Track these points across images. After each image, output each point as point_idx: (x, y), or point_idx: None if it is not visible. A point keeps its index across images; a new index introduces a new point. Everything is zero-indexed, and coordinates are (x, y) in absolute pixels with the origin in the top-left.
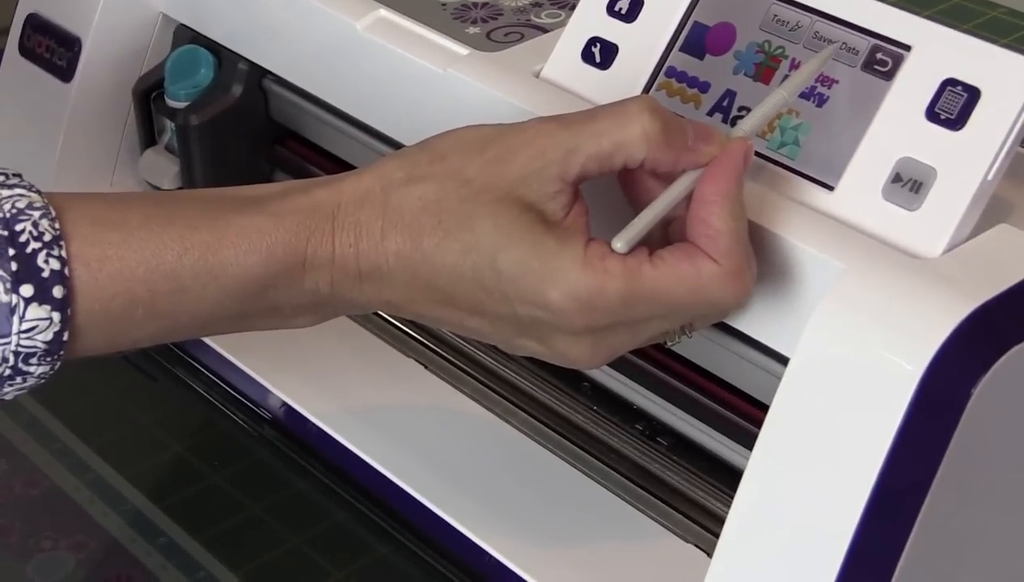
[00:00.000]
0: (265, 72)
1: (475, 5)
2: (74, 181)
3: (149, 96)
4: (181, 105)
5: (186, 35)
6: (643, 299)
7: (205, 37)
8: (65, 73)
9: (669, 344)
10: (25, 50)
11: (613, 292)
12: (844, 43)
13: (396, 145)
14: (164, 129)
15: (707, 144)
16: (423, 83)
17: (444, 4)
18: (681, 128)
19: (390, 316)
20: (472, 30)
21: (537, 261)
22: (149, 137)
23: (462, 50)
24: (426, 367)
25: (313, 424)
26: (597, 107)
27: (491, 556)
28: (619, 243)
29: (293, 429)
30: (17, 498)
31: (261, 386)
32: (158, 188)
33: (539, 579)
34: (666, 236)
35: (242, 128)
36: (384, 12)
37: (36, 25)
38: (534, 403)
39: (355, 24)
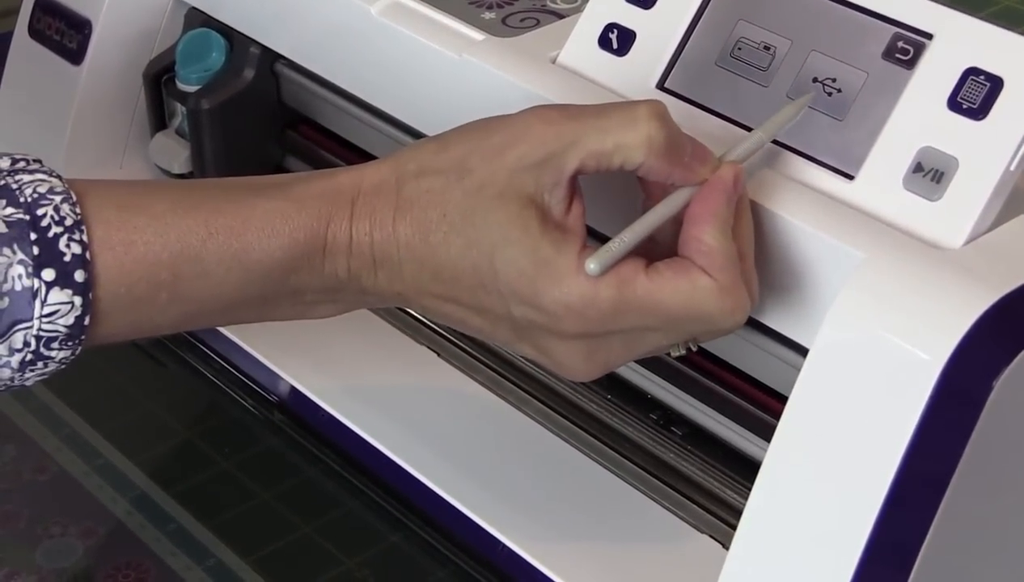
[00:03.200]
0: (277, 56)
1: None
2: (84, 164)
3: (160, 79)
4: (192, 89)
5: (197, 18)
6: (635, 309)
7: (217, 20)
8: (75, 56)
9: (673, 354)
10: (35, 32)
11: (605, 300)
12: (867, 34)
13: (410, 131)
14: (175, 113)
15: (701, 164)
16: (438, 69)
17: None
18: (682, 143)
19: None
20: (488, 15)
21: (532, 265)
22: (159, 121)
23: (478, 35)
24: (439, 355)
25: (324, 411)
26: (606, 104)
27: (504, 545)
28: (592, 264)
29: (304, 416)
30: (26, 484)
31: (272, 372)
32: (168, 172)
33: (552, 568)
34: (653, 250)
35: (253, 112)
36: None
37: (46, 7)
38: (547, 391)
39: (369, 8)
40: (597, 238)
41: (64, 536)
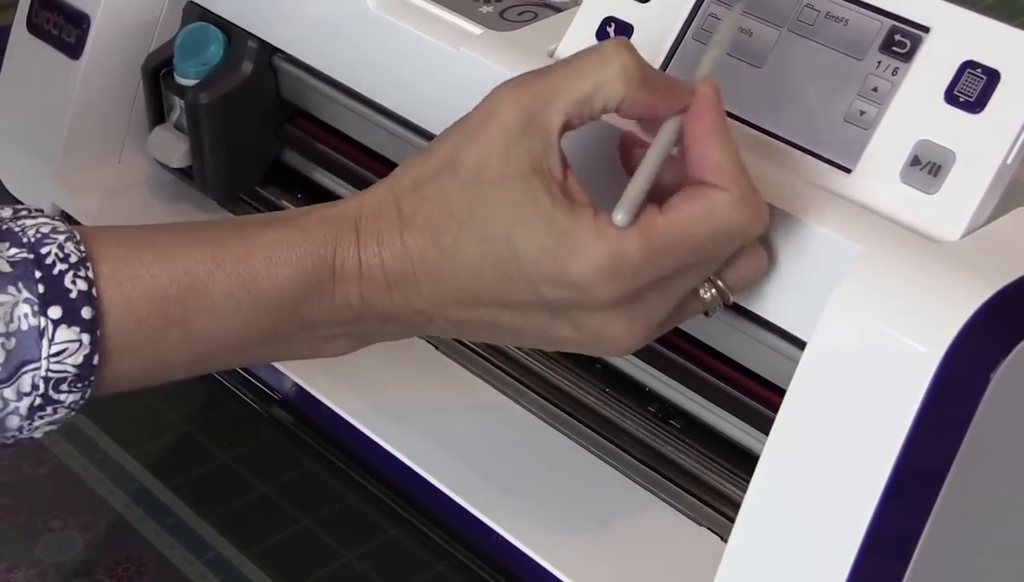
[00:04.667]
0: (275, 50)
1: None
2: (82, 158)
3: (158, 73)
4: (190, 83)
5: (195, 12)
6: (665, 249)
7: (215, 14)
8: (74, 50)
9: (710, 314)
10: (33, 26)
11: (634, 251)
12: (864, 27)
13: (408, 125)
14: (173, 107)
15: (677, 90)
16: (435, 62)
17: None
18: (654, 71)
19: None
20: (485, 9)
21: (552, 239)
22: (158, 115)
23: (475, 29)
24: (437, 347)
25: (323, 405)
26: (571, 54)
27: (500, 536)
28: (619, 215)
29: (303, 409)
30: (25, 477)
31: (271, 366)
32: (166, 166)
33: (551, 561)
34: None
35: (252, 106)
36: None
37: (44, 1)
38: (545, 384)
39: (367, 2)
40: None
41: (64, 529)
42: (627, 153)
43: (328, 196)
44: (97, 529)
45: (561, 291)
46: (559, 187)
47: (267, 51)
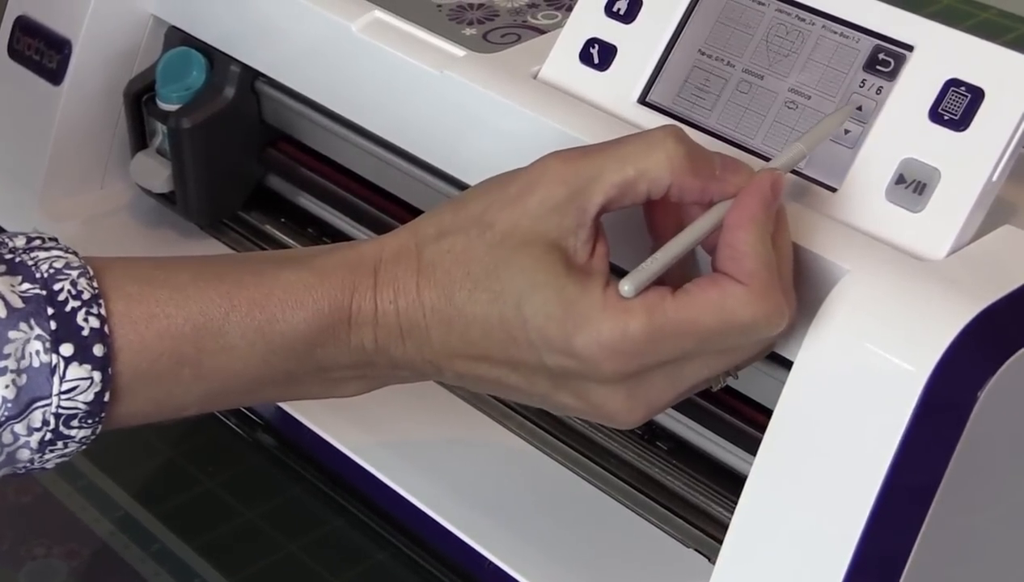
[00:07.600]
0: (258, 74)
1: (471, 6)
2: (65, 184)
3: (140, 99)
4: (173, 108)
5: (177, 37)
6: (669, 334)
7: (197, 39)
8: (55, 76)
9: (714, 388)
10: (14, 52)
11: (636, 331)
12: (847, 46)
13: (392, 148)
14: (155, 132)
15: (735, 175)
16: (419, 85)
17: (440, 5)
18: (707, 157)
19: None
20: (468, 31)
21: (559, 308)
22: (140, 140)
23: (458, 51)
24: None
25: (308, 429)
26: (620, 137)
27: (490, 561)
28: (626, 287)
29: (288, 434)
30: (9, 505)
31: None
32: (149, 192)
33: None
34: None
35: (234, 131)
36: (379, 13)
37: (25, 27)
38: (531, 407)
39: (350, 25)
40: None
41: (48, 557)
42: (651, 216)
43: (311, 220)
44: (81, 557)
45: (563, 360)
46: (577, 265)
47: (249, 75)
